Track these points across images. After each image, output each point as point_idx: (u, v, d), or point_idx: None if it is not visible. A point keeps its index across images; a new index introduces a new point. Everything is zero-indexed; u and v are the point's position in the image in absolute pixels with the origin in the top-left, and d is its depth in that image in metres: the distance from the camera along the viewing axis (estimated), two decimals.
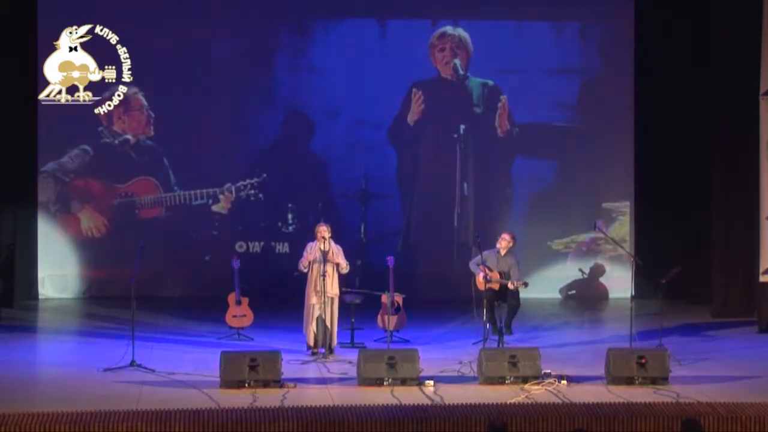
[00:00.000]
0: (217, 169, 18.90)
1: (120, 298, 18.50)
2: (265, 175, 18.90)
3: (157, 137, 18.80)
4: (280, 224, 19.00)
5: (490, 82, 19.21)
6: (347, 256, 14.52)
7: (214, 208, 18.98)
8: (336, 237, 14.61)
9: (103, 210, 18.81)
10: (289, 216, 19.01)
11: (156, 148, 18.82)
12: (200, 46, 18.70)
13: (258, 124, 18.93)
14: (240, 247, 18.91)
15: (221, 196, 18.92)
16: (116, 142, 18.71)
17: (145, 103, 18.72)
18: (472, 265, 15.33)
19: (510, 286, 15.10)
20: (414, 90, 19.12)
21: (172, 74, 18.66)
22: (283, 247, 18.91)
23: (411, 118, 19.17)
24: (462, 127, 19.20)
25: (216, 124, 18.80)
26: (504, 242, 15.41)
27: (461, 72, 19.18)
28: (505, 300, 15.31)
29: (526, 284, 15.15)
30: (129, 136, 18.72)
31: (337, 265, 14.40)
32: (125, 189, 18.80)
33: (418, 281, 18.83)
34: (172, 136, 18.80)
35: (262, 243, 18.94)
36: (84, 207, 18.77)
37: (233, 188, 18.89)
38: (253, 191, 18.90)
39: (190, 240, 18.88)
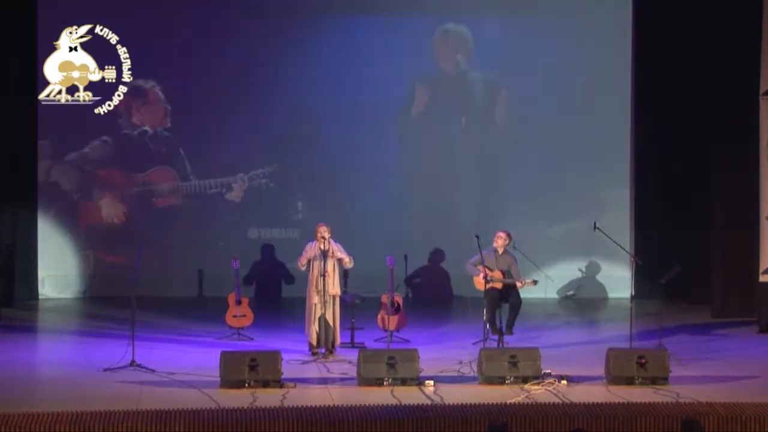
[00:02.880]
0: (231, 160, 19.06)
1: (120, 298, 18.55)
2: (276, 165, 19.07)
3: (173, 129, 18.94)
4: (290, 212, 19.09)
5: (491, 77, 19.27)
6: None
7: (228, 196, 19.13)
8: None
9: (122, 198, 18.98)
10: (299, 204, 19.10)
11: (172, 139, 18.95)
12: (211, 43, 18.80)
13: (268, 117, 19.05)
14: (252, 233, 19.06)
15: (234, 185, 19.03)
16: (135, 133, 18.87)
17: (162, 96, 18.82)
18: (468, 267, 15.28)
19: (519, 285, 15.09)
20: (418, 85, 19.21)
21: (184, 71, 18.84)
22: (293, 234, 19.04)
23: (415, 111, 19.26)
24: (463, 120, 19.28)
25: (229, 117, 18.95)
26: (500, 240, 15.37)
27: (463, 67, 19.26)
28: (507, 300, 15.28)
29: (535, 282, 15.18)
30: (147, 128, 18.87)
31: (340, 260, 14.41)
32: (143, 178, 18.96)
33: (417, 281, 18.93)
34: (188, 127, 18.99)
35: (273, 230, 19.00)
36: (105, 195, 18.91)
37: (246, 177, 19.02)
38: (264, 180, 19.06)
39: (204, 226, 19.01)
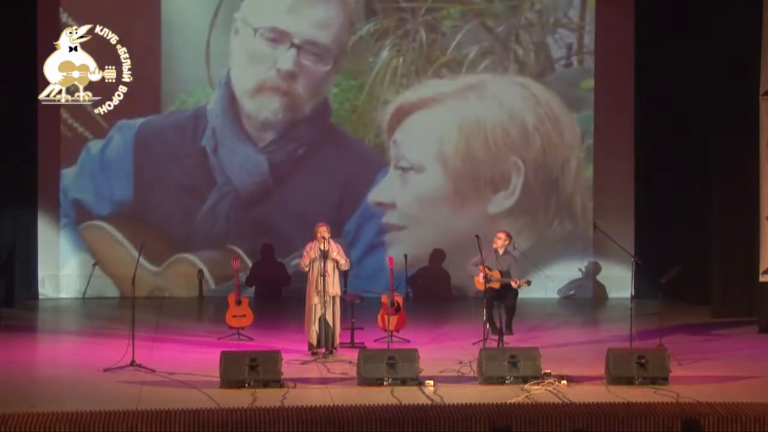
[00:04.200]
0: (232, 158, 19.04)
1: (120, 298, 18.57)
2: (277, 162, 19.07)
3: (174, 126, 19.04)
4: (295, 206, 19.06)
5: (487, 72, 19.26)
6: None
7: (230, 194, 19.14)
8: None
9: (123, 198, 19.03)
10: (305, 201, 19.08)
11: (174, 137, 19.00)
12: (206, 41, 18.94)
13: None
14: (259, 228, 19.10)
15: (236, 184, 19.07)
16: (134, 131, 18.93)
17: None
18: (470, 266, 15.28)
19: (513, 284, 15.05)
20: (416, 83, 19.30)
21: (186, 68, 18.91)
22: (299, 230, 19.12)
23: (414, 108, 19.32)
24: (461, 116, 19.25)
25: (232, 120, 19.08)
26: (500, 241, 15.33)
27: (460, 64, 19.27)
28: (503, 300, 15.24)
29: (529, 282, 15.10)
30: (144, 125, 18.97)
31: (336, 262, 14.40)
32: (145, 177, 19.01)
33: (417, 281, 18.92)
34: (186, 127, 19.04)
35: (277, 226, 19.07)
36: (105, 195, 18.99)
37: (247, 176, 19.10)
38: (268, 174, 19.05)
39: (205, 225, 19.01)
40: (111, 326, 16.33)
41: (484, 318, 14.66)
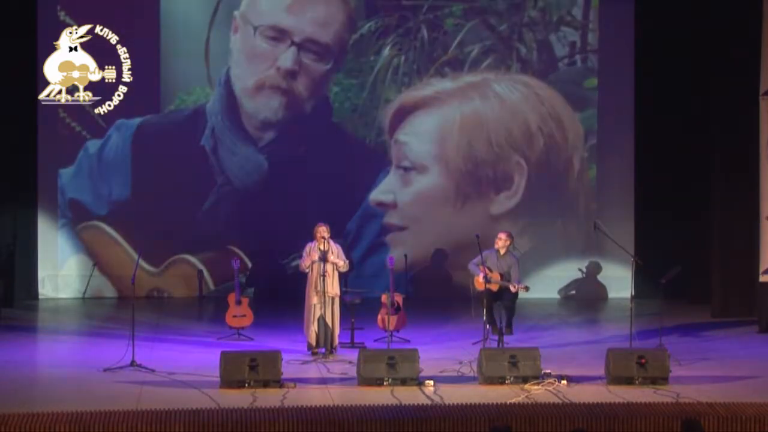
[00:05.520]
0: (235, 157, 19.03)
1: (120, 298, 18.56)
2: (279, 159, 19.02)
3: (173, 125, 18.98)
4: (295, 206, 19.04)
5: (487, 71, 19.24)
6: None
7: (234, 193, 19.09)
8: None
9: (122, 199, 18.94)
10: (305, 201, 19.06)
11: (173, 136, 18.92)
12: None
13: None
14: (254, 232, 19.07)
15: (236, 183, 19.04)
16: (132, 131, 18.87)
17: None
18: (471, 266, 15.26)
19: (512, 288, 14.99)
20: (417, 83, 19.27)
21: (185, 67, 18.87)
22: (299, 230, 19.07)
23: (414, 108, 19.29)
24: (459, 116, 19.23)
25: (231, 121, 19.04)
26: (501, 242, 15.26)
27: (460, 63, 19.25)
28: (501, 300, 15.20)
29: (527, 288, 15.02)
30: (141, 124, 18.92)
31: (334, 264, 14.39)
32: (144, 178, 18.92)
33: (418, 281, 18.90)
34: (185, 127, 18.99)
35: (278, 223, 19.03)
36: (105, 195, 18.93)
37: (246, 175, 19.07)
38: (268, 174, 19.01)
39: (213, 219, 18.98)
40: (111, 326, 16.34)
41: (484, 318, 14.67)
